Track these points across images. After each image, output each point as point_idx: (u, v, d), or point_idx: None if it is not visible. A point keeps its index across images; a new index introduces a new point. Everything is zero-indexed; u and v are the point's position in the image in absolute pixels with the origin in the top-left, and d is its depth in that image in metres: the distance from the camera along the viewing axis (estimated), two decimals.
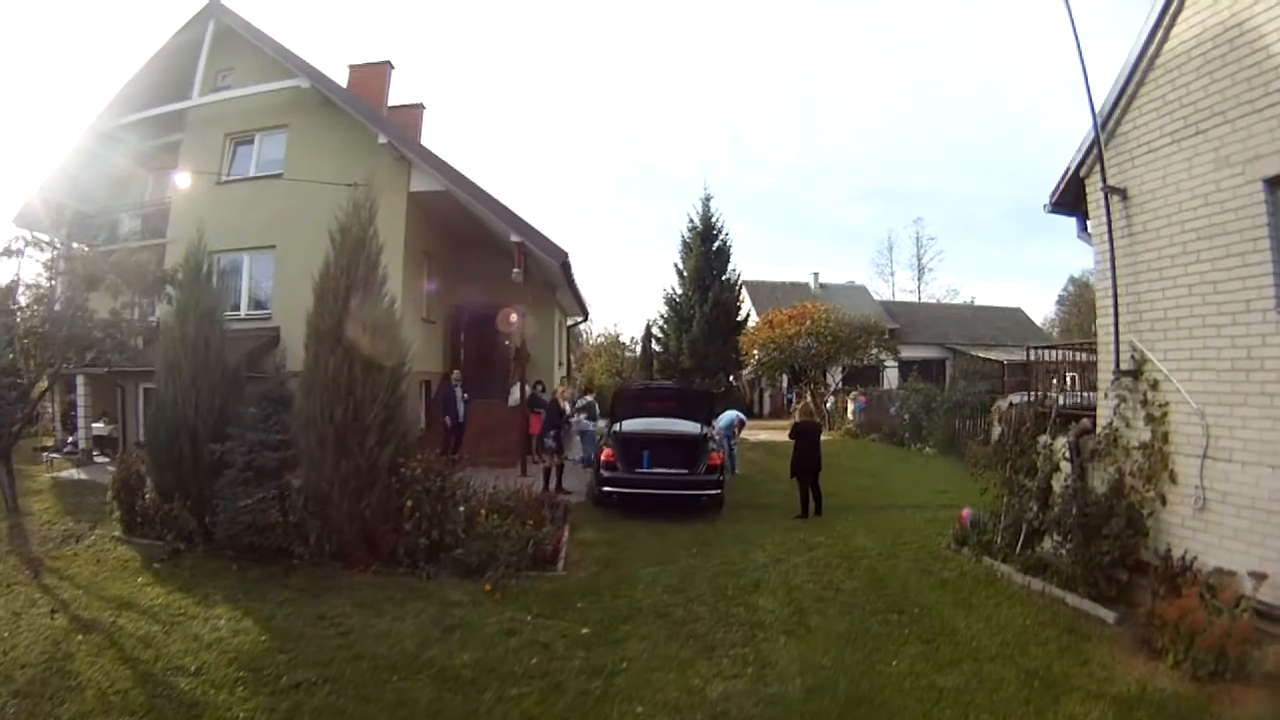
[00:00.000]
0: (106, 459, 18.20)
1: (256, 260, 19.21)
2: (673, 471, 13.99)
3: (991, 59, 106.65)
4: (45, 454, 19.41)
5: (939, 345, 52.96)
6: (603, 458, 14.15)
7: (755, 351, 34.28)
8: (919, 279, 76.50)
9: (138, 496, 11.64)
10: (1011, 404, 20.50)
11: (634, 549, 11.80)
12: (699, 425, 14.98)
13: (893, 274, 77.97)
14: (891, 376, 42.64)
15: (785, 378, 37.76)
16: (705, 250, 46.40)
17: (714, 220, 47.46)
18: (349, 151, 17.94)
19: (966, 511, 21.14)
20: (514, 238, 17.07)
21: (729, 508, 14.50)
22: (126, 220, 20.81)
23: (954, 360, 52.77)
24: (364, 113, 18.10)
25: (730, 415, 19.79)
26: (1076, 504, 8.97)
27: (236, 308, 19.13)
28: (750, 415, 42.13)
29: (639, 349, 50.55)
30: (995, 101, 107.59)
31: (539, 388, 20.13)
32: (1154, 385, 8.54)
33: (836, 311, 33.03)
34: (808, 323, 31.50)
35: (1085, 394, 12.99)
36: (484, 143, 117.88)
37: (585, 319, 32.81)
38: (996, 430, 20.31)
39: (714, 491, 13.86)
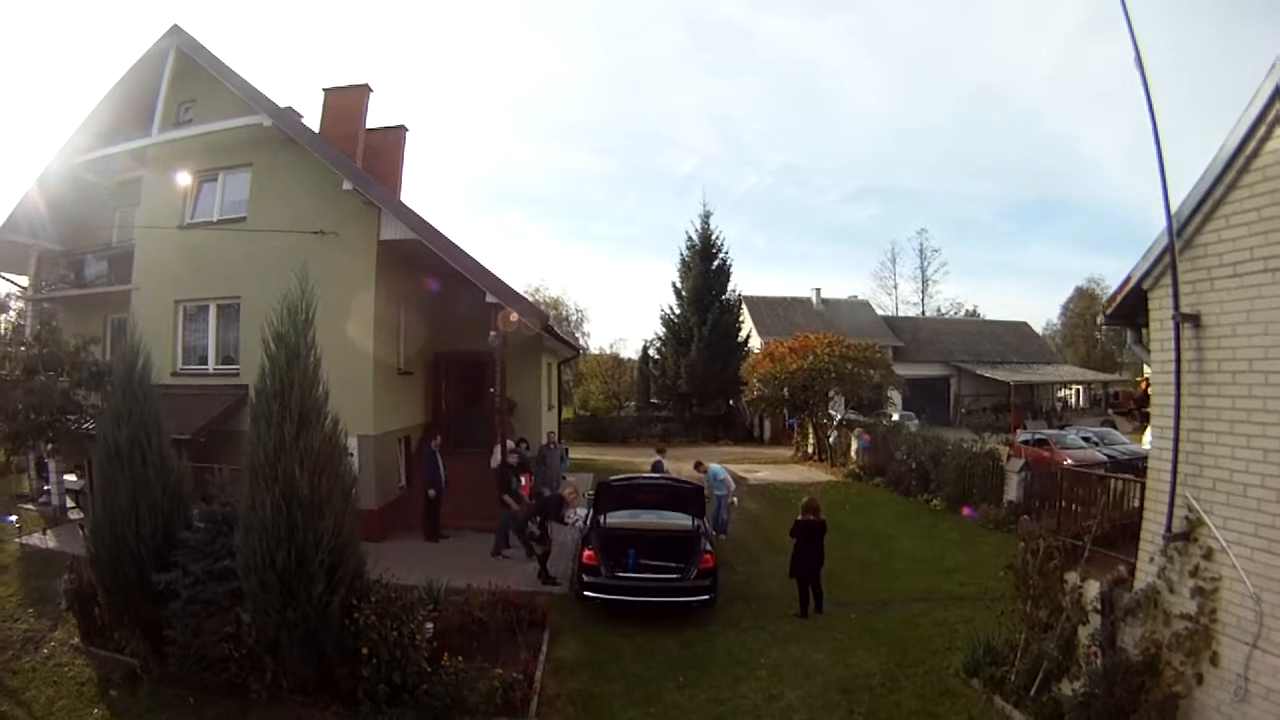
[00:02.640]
0: (79, 515, 17.24)
1: (223, 311, 18.08)
2: (661, 576, 12.76)
3: (987, 58, 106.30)
4: (19, 505, 18.75)
5: (943, 363, 52.17)
6: (584, 559, 12.89)
7: (756, 382, 32.89)
8: (923, 291, 75.85)
9: (93, 605, 10.93)
10: (1025, 466, 19.61)
11: (616, 675, 10.70)
12: (690, 518, 13.76)
13: (896, 286, 77.38)
14: (896, 398, 41.63)
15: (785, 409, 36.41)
16: (704, 269, 45.34)
17: (714, 237, 46.44)
18: (316, 192, 16.92)
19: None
20: (490, 299, 15.89)
21: (723, 596, 13.28)
22: (93, 262, 19.92)
23: (958, 379, 51.91)
24: (328, 156, 16.81)
25: (719, 471, 18.92)
26: (1106, 680, 7.80)
27: (204, 361, 18.31)
28: (751, 438, 41.43)
29: (636, 371, 49.27)
30: (991, 101, 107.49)
31: (522, 445, 19.00)
32: (1207, 555, 7.28)
33: (840, 343, 31.72)
34: (810, 357, 30.18)
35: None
36: (476, 144, 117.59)
37: (576, 355, 31.67)
38: (1011, 482, 19.44)
39: (705, 597, 12.63)
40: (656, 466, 20.43)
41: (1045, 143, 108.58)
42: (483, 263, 16.59)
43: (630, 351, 58.64)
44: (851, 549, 16.78)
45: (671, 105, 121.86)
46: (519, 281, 69.79)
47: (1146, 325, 8.51)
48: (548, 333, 18.19)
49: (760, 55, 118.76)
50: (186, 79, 18.38)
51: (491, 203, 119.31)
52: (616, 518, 13.66)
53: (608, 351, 63.70)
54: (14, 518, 17.28)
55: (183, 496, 10.89)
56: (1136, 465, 26.66)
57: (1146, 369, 45.97)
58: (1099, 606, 8.56)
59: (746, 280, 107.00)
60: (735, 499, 19.42)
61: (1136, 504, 9.67)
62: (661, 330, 47.60)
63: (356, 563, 9.50)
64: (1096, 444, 28.84)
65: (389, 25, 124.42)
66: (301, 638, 8.83)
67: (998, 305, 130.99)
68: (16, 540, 16.18)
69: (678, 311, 46.37)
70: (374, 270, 16.88)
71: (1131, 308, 8.60)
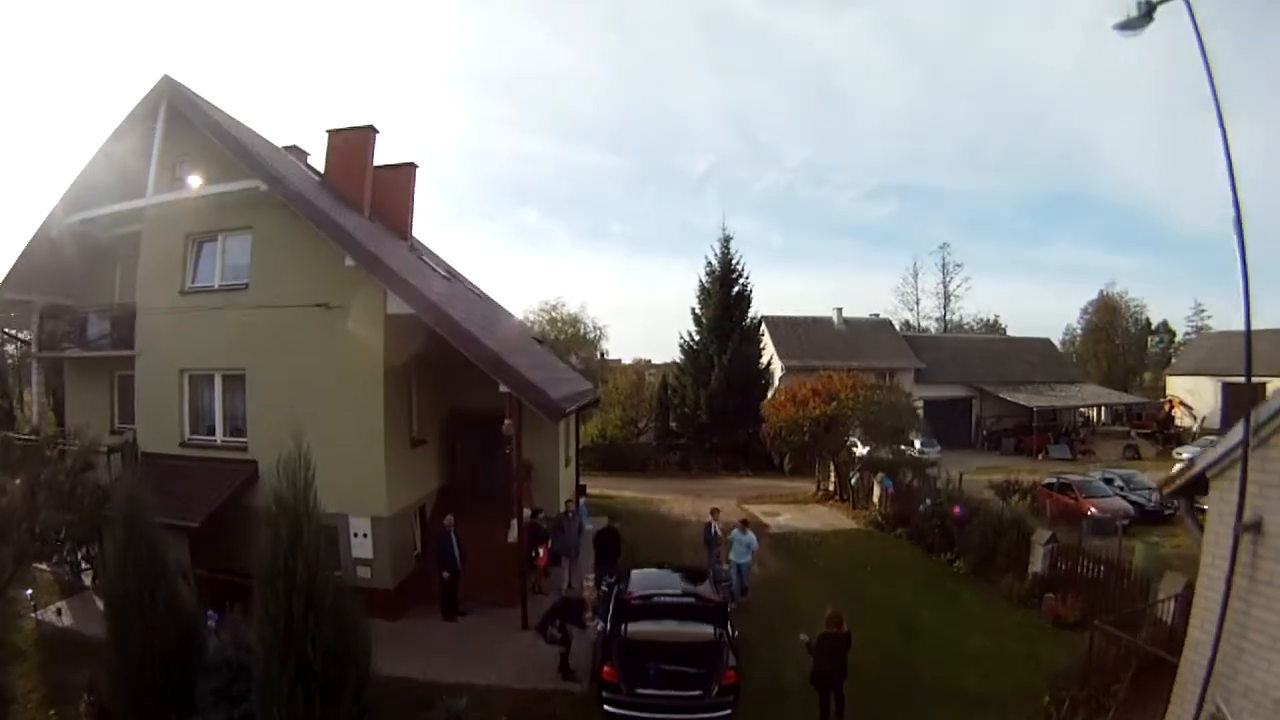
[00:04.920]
0: (93, 578, 17.20)
1: (229, 381, 17.66)
2: (682, 694, 12.35)
3: (1005, 54, 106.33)
4: (33, 566, 18.22)
5: (965, 384, 51.68)
6: (604, 674, 12.56)
7: (777, 424, 32.09)
8: (945, 306, 75.47)
9: None
10: (1052, 539, 19.10)
11: None
12: (713, 628, 13.35)
13: (918, 301, 77.07)
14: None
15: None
16: (724, 296, 44.88)
17: (734, 262, 45.87)
18: (320, 258, 16.22)
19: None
20: (503, 388, 15.54)
21: (743, 688, 12.73)
22: (95, 321, 19.55)
23: (980, 400, 51.42)
24: (329, 230, 16.08)
25: (749, 540, 19.09)
26: None
27: (213, 431, 17.94)
28: (771, 468, 40.85)
29: (655, 399, 48.66)
30: (1009, 97, 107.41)
31: (539, 515, 18.75)
32: None
33: (864, 384, 31.13)
34: (834, 402, 29.63)
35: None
36: (493, 142, 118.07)
37: (595, 402, 31.34)
38: (1037, 554, 18.96)
39: (726, 712, 12.30)
40: (708, 530, 20.20)
41: (1063, 138, 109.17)
42: (501, 354, 16.11)
43: (656, 357, 58.34)
44: (874, 629, 16.37)
45: (688, 103, 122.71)
46: (535, 298, 69.81)
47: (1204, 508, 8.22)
48: (566, 417, 17.87)
49: (777, 52, 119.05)
50: (181, 131, 17.79)
51: (508, 201, 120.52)
52: (637, 627, 13.30)
53: (627, 361, 63.57)
54: (29, 591, 17.06)
55: (200, 634, 10.82)
56: (1162, 513, 26.43)
57: (1171, 391, 45.04)
58: None
59: (762, 279, 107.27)
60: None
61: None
62: (680, 358, 47.28)
63: None
64: (1122, 488, 28.33)
65: (406, 26, 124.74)
66: None
67: (1019, 309, 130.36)
68: (32, 615, 15.97)
69: (697, 339, 45.87)
70: (382, 345, 16.35)
71: (1193, 486, 8.29)
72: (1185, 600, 13.20)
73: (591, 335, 61.62)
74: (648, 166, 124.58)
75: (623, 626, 13.23)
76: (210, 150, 17.35)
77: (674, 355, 48.96)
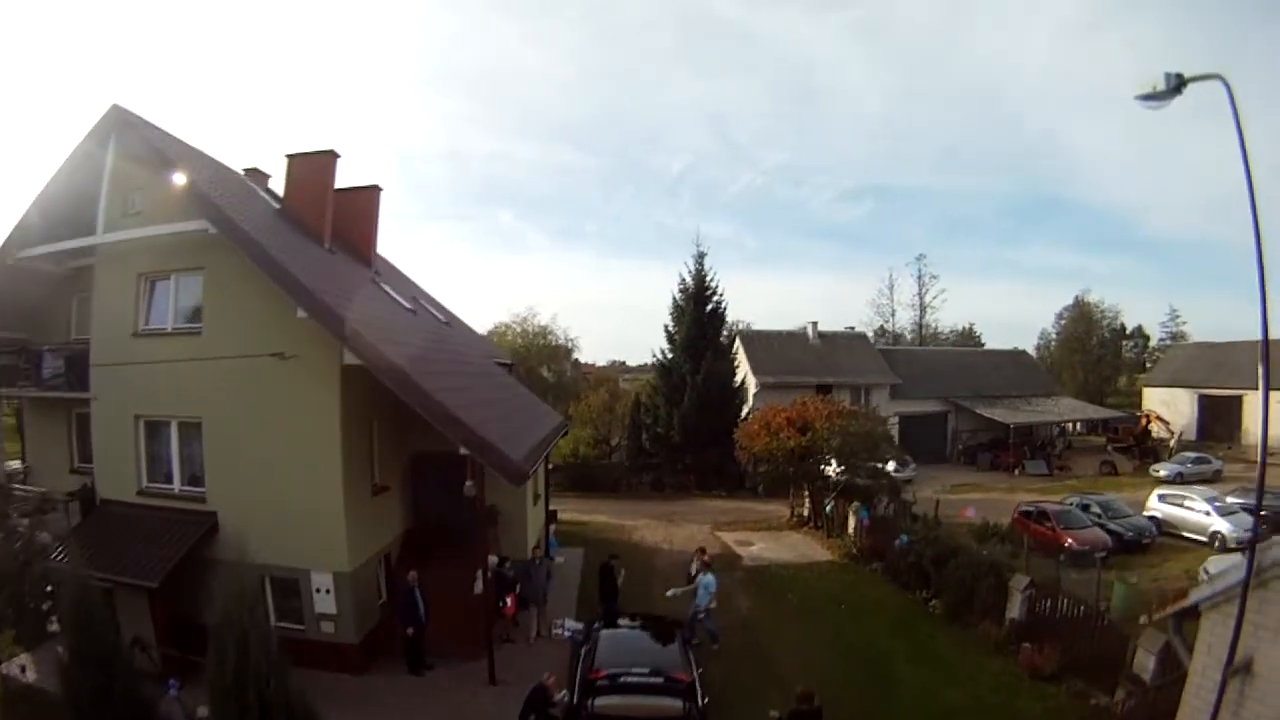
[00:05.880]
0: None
1: (185, 429, 16.88)
2: None
3: (983, 57, 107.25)
4: None
5: (941, 399, 51.56)
6: None
7: (751, 449, 31.49)
8: (920, 318, 75.77)
9: None
10: (1030, 584, 18.77)
11: None
12: (681, 702, 12.87)
13: (894, 313, 77.41)
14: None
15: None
16: (698, 314, 44.37)
17: (708, 278, 45.39)
18: (273, 302, 15.28)
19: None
20: (463, 450, 15.01)
21: None
22: (50, 360, 18.76)
23: (956, 414, 51.37)
24: (280, 277, 15.06)
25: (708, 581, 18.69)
26: None
27: (170, 479, 17.19)
28: (744, 488, 40.41)
29: (628, 418, 48.14)
30: (991, 99, 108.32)
31: (505, 565, 18.28)
32: None
33: (839, 414, 30.57)
34: (809, 433, 29.15)
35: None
36: (468, 144, 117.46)
37: (566, 431, 30.87)
38: (1015, 600, 18.65)
39: None
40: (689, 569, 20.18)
41: (1044, 140, 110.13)
42: (459, 409, 15.58)
43: (631, 358, 57.60)
44: (849, 679, 16.21)
45: (665, 103, 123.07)
46: (506, 309, 69.24)
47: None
48: (530, 477, 17.51)
49: (757, 53, 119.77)
50: (131, 165, 16.88)
51: (482, 201, 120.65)
52: (604, 701, 12.84)
53: (601, 364, 63.22)
54: None
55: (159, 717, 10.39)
56: (1140, 541, 26.32)
57: (1147, 403, 44.97)
58: None
59: (735, 282, 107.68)
60: (714, 604, 18.90)
61: None
62: (654, 377, 46.86)
63: None
64: (1099, 515, 28.08)
65: (373, 26, 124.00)
66: None
67: (996, 311, 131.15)
68: None
69: (670, 356, 45.32)
70: (339, 395, 15.76)
71: (1184, 615, 8.08)
72: (1163, 661, 12.98)
73: (564, 344, 61.19)
74: (623, 166, 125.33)
75: (589, 703, 12.78)
76: (161, 185, 16.44)
77: (648, 356, 48.44)
